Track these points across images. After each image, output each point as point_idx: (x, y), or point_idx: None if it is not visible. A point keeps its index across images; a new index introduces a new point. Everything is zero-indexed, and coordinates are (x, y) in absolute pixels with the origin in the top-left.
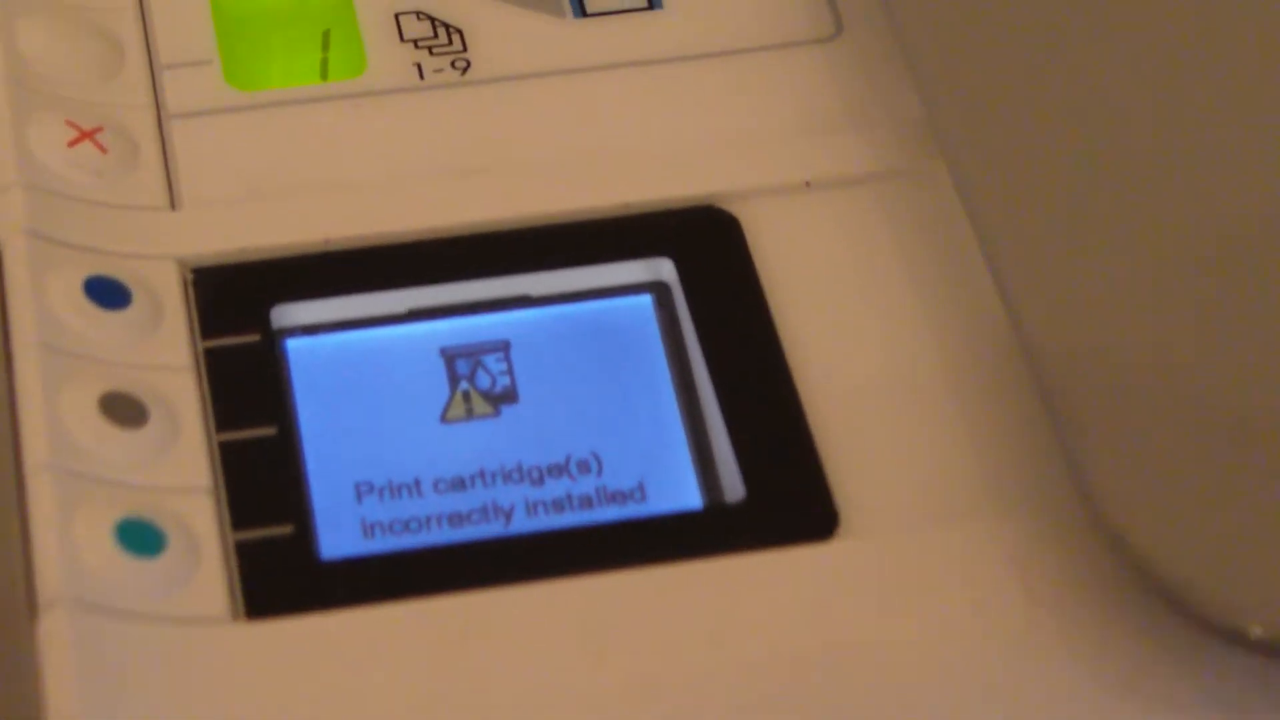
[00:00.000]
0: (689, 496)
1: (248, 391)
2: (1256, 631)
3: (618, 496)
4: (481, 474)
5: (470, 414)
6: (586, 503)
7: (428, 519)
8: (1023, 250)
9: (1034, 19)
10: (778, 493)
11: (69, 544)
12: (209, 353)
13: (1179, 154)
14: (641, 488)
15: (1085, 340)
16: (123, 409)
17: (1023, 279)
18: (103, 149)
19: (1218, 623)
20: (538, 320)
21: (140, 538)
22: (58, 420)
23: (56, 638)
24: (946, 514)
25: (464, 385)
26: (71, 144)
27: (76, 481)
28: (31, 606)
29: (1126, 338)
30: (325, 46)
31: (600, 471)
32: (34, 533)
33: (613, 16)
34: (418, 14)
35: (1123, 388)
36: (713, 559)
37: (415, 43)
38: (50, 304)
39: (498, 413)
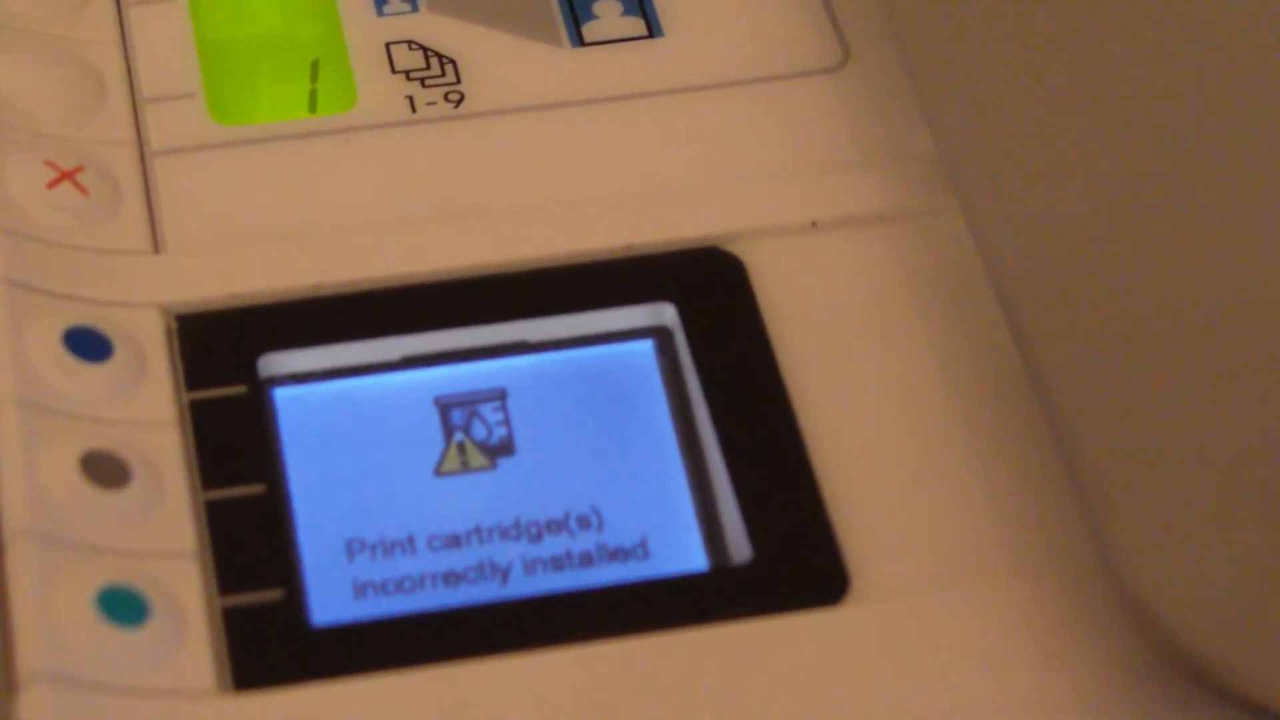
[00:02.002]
0: (693, 556)
1: (235, 446)
2: None
3: (619, 554)
4: (477, 530)
5: (466, 467)
6: (587, 560)
7: (421, 578)
8: (1042, 297)
9: (1049, 47)
10: (785, 554)
11: (49, 614)
12: (194, 405)
13: (1206, 191)
14: (644, 544)
15: (1113, 403)
16: (104, 469)
17: (1043, 329)
18: (83, 190)
19: (1242, 696)
20: (536, 367)
21: (123, 606)
22: (37, 482)
23: (37, 714)
24: (961, 576)
25: (459, 436)
26: (50, 185)
27: (56, 548)
28: (10, 681)
29: (1156, 402)
30: (314, 78)
31: (601, 528)
32: (13, 603)
33: (612, 45)
34: (409, 43)
35: (1150, 455)
36: (718, 625)
37: (407, 74)
38: (28, 357)
39: (494, 465)
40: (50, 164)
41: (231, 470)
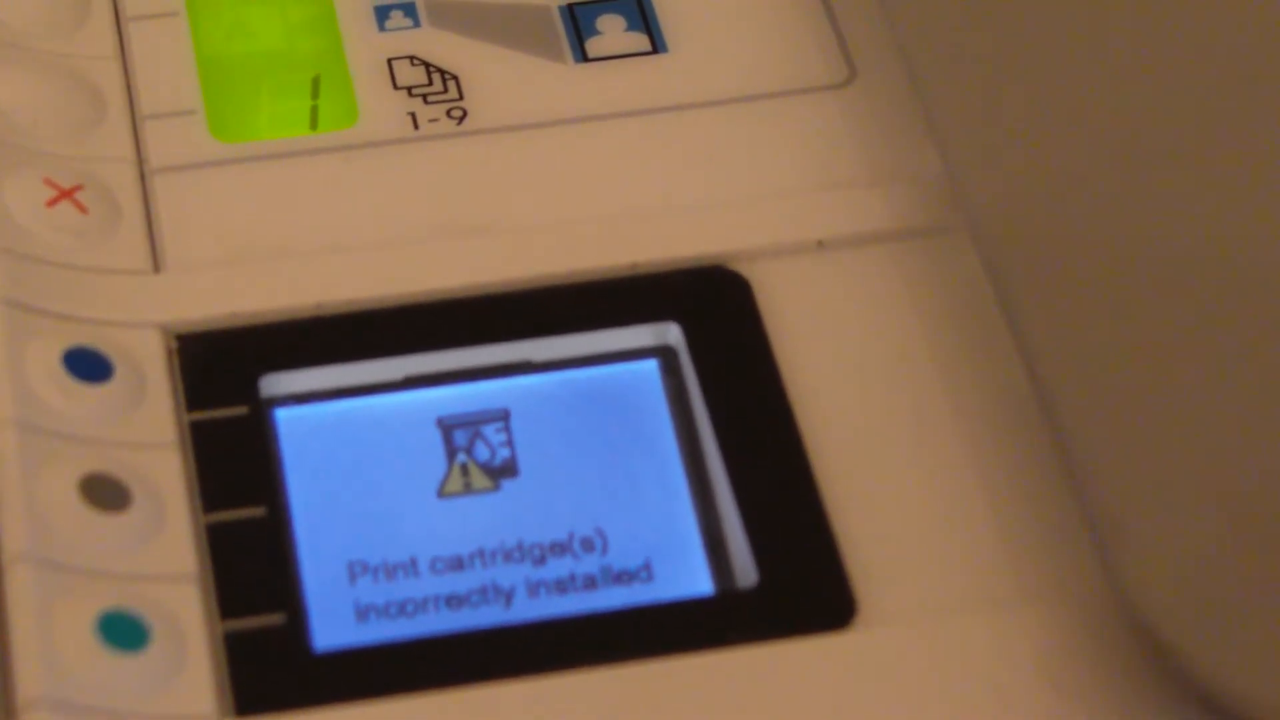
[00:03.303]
0: (699, 579)
1: (236, 468)
2: None
3: (623, 577)
4: (480, 553)
5: (468, 488)
6: (590, 583)
7: (424, 601)
8: (1052, 319)
9: (1055, 63)
10: (792, 578)
11: (49, 639)
12: (195, 426)
13: (1219, 201)
14: (648, 567)
15: (1123, 427)
16: (104, 492)
17: (1053, 352)
18: (83, 209)
19: None
20: (539, 388)
21: (123, 631)
22: (36, 506)
23: None
24: (970, 602)
25: (462, 458)
26: (50, 204)
27: (56, 572)
28: (9, 707)
29: (1167, 427)
30: (315, 94)
31: (605, 550)
32: (12, 628)
33: (616, 61)
34: (411, 59)
35: (1160, 481)
36: (724, 650)
37: (409, 90)
38: (28, 378)
39: (497, 487)
40: (49, 182)
41: (232, 492)
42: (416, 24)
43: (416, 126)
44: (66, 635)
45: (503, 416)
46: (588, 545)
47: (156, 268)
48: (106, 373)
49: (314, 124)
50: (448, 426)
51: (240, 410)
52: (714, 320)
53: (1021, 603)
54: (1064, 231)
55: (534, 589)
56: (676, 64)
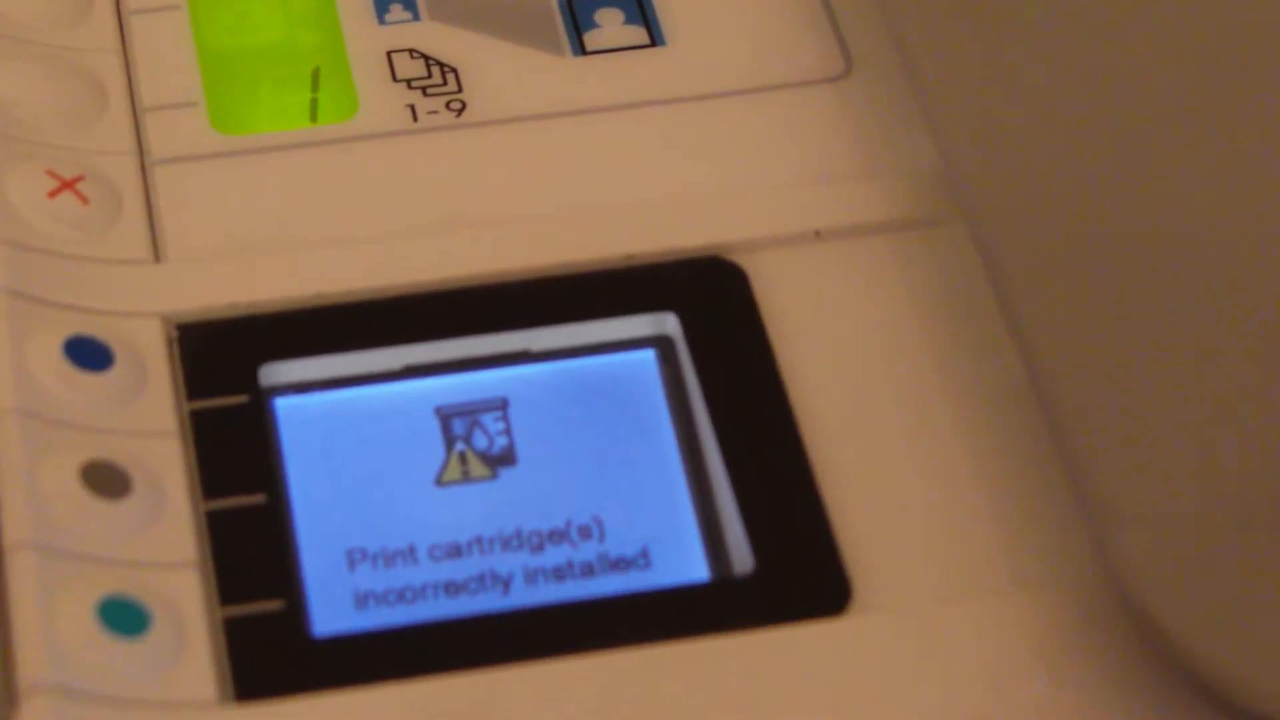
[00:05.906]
0: (695, 566)
1: (236, 456)
2: None
3: (620, 564)
4: (479, 540)
5: (467, 476)
6: (588, 570)
7: (423, 588)
8: (1047, 309)
9: (1054, 55)
10: (788, 564)
11: (50, 625)
12: (195, 415)
13: (1220, 194)
14: (646, 554)
15: (1118, 415)
16: (105, 479)
17: (1048, 341)
18: (84, 199)
19: (1247, 708)
20: (537, 377)
21: (124, 617)
22: (38, 493)
23: None
24: (965, 588)
25: (460, 446)
26: (52, 194)
27: (57, 558)
28: (11, 693)
29: (1162, 412)
30: (315, 87)
31: (603, 537)
32: (14, 614)
33: (614, 54)
34: (410, 52)
35: (1155, 466)
36: (720, 636)
37: (409, 83)
38: (29, 367)
39: (495, 475)
40: (51, 173)
41: (232, 480)
42: (416, 17)
43: (416, 119)
44: (67, 621)
45: (501, 405)
46: (585, 533)
47: (157, 258)
48: (107, 361)
49: (314, 116)
50: (446, 415)
51: (240, 399)
52: (711, 310)
53: (1016, 589)
54: (1058, 221)
55: (531, 576)
56: (674, 57)
